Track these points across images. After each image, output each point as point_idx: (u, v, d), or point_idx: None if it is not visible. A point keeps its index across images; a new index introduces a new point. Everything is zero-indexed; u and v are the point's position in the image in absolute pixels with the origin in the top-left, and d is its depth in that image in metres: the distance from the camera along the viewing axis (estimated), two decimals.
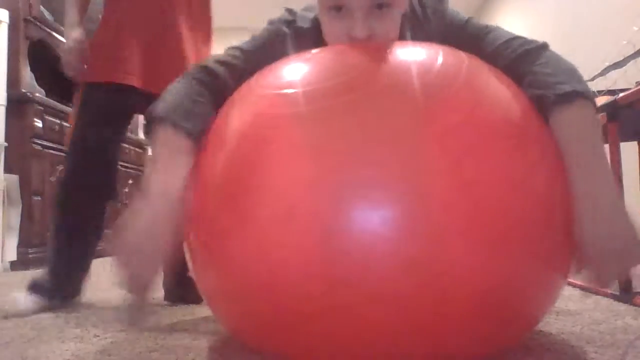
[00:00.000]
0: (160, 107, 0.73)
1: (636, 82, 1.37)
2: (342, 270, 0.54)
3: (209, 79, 0.77)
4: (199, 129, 0.71)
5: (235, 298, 0.65)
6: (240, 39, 0.85)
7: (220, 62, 0.80)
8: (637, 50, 1.54)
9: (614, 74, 1.60)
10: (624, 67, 1.59)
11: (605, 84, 1.47)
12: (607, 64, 1.64)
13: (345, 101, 0.60)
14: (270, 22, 0.88)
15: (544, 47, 0.73)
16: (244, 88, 0.74)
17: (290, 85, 0.64)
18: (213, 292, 0.71)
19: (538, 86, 0.67)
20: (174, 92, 0.75)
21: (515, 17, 4.12)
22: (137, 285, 0.65)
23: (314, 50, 0.73)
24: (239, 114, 0.69)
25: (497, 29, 0.80)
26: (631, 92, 1.17)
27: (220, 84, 0.78)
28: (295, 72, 0.68)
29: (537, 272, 0.60)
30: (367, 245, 0.53)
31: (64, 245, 1.21)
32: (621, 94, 1.20)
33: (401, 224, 0.53)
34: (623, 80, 1.52)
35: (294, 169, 0.57)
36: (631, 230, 0.61)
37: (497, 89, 0.64)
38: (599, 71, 1.60)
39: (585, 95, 0.65)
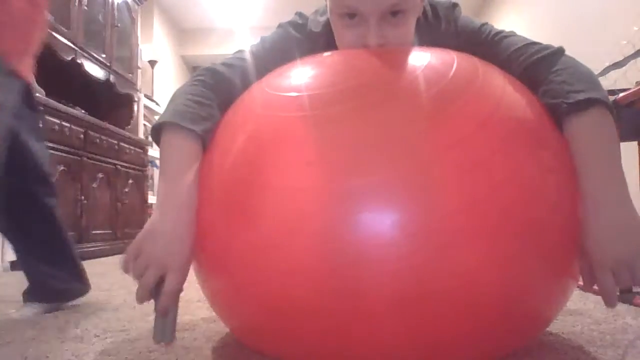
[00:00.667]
0: (167, 111, 0.72)
1: (636, 82, 1.37)
2: (350, 276, 0.53)
3: (214, 81, 0.76)
4: (206, 131, 0.70)
5: (239, 301, 0.64)
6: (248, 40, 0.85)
7: (227, 64, 0.80)
8: (637, 50, 1.54)
9: (614, 74, 1.61)
10: (624, 67, 1.59)
11: (605, 84, 1.47)
12: (607, 64, 1.64)
13: (355, 106, 0.59)
14: (280, 26, 0.87)
15: (559, 52, 0.71)
16: (253, 90, 0.73)
17: (299, 88, 0.64)
18: (216, 293, 0.70)
19: (552, 95, 0.66)
20: (179, 96, 0.74)
21: (515, 17, 4.11)
22: (162, 300, 0.63)
23: (325, 54, 0.72)
24: (247, 115, 0.68)
25: (512, 34, 0.78)
26: (631, 92, 1.17)
27: (226, 85, 0.77)
28: (304, 75, 0.67)
29: (550, 277, 0.60)
30: (375, 251, 0.53)
31: (12, 245, 1.19)
32: (621, 94, 1.20)
33: (410, 231, 0.53)
34: (623, 80, 1.53)
35: (301, 173, 0.57)
36: None
37: (512, 97, 0.63)
38: (599, 71, 1.60)
39: (600, 102, 0.64)
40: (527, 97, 0.65)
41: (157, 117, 4.40)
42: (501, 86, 0.64)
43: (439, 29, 0.83)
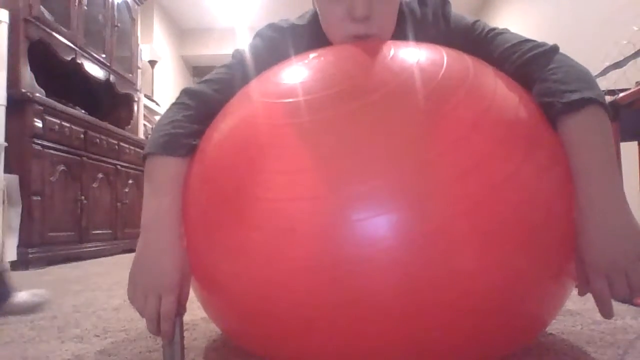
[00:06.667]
0: (148, 143, 0.73)
1: (636, 82, 1.37)
2: (344, 284, 0.53)
3: (190, 98, 0.75)
4: (185, 149, 0.70)
5: (233, 309, 0.64)
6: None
7: (203, 81, 0.79)
8: (637, 50, 1.54)
9: (614, 74, 1.61)
10: (624, 67, 1.59)
11: (605, 84, 1.47)
12: (607, 64, 1.64)
13: (347, 111, 0.58)
14: (257, 35, 0.86)
15: (554, 50, 0.70)
16: (242, 95, 0.72)
17: (290, 94, 0.63)
18: (209, 300, 0.70)
19: (546, 94, 0.65)
20: (159, 123, 0.74)
21: (515, 17, 4.12)
22: (163, 325, 0.63)
23: (312, 55, 0.71)
24: (237, 123, 0.67)
25: (505, 31, 0.77)
26: (631, 92, 1.17)
27: (205, 99, 0.76)
28: (294, 79, 0.66)
29: (547, 280, 0.59)
30: (370, 258, 0.52)
31: None
32: (621, 94, 1.20)
33: (406, 236, 0.52)
34: (623, 80, 1.52)
35: (295, 181, 0.56)
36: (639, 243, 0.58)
37: (505, 96, 0.62)
38: (599, 71, 1.60)
39: (595, 102, 0.62)
40: (519, 96, 0.64)
41: (157, 117, 4.39)
42: (493, 85, 0.63)
43: (426, 24, 0.82)
